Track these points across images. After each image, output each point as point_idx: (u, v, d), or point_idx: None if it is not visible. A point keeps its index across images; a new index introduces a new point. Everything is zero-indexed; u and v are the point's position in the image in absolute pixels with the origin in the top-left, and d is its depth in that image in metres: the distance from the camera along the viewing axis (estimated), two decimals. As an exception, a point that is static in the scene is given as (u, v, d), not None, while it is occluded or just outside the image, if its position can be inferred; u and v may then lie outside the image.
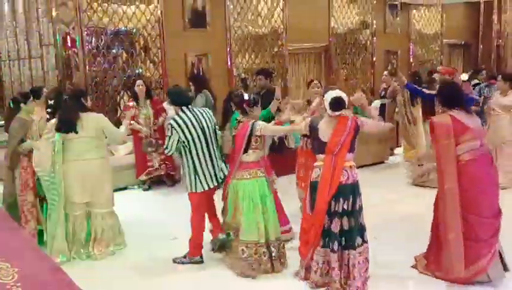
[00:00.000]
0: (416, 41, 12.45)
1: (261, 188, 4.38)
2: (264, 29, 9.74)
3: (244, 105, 4.42)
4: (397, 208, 6.19)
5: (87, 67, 7.84)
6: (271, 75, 7.09)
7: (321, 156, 4.04)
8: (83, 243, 4.91)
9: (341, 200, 3.93)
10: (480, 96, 8.46)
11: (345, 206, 3.95)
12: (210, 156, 4.49)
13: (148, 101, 7.05)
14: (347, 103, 4.11)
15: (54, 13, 7.64)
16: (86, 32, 7.81)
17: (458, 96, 4.22)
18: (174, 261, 4.71)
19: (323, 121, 4.10)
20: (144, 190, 7.29)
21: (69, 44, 7.72)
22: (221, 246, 4.75)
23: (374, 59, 11.55)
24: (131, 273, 4.58)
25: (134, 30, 8.27)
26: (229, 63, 9.34)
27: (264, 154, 4.64)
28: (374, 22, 11.45)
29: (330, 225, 3.97)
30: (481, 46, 13.77)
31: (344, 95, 4.08)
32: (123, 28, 8.14)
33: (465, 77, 10.66)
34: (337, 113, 4.03)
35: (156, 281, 4.41)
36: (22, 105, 5.27)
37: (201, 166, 4.44)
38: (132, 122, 6.30)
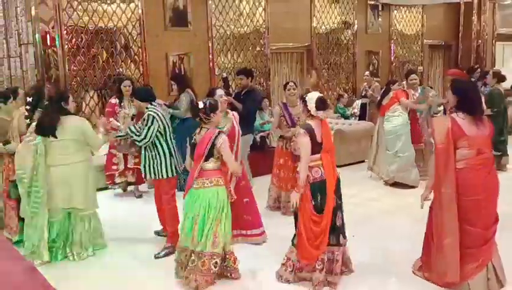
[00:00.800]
0: (397, 42, 12.57)
1: (220, 196, 4.18)
2: (246, 29, 9.75)
3: (201, 114, 4.21)
4: (375, 206, 6.26)
5: (67, 66, 7.77)
6: (252, 75, 7.07)
7: (317, 156, 4.09)
8: (64, 245, 4.88)
9: (336, 194, 4.14)
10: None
11: (338, 201, 4.16)
12: (174, 145, 4.89)
13: (134, 101, 6.70)
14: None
15: (33, 12, 7.54)
16: (65, 31, 7.73)
17: (471, 100, 3.96)
18: (156, 257, 4.79)
19: (312, 123, 4.17)
20: (122, 190, 7.09)
21: (48, 43, 7.64)
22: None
23: (355, 59, 11.63)
24: (110, 273, 4.56)
25: (115, 29, 8.22)
26: (211, 63, 9.33)
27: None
28: (356, 22, 11.54)
29: (335, 219, 4.10)
30: (461, 46, 13.94)
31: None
32: (103, 27, 8.08)
33: None
34: (321, 112, 4.12)
35: (136, 281, 4.39)
36: (1, 105, 5.32)
37: (174, 151, 4.85)
38: (111, 119, 6.00)
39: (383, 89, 7.47)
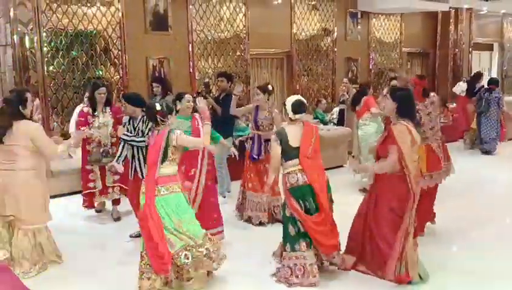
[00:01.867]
0: (375, 49, 12.76)
1: (179, 202, 4.11)
2: (227, 34, 9.82)
3: (158, 116, 4.12)
4: (351, 211, 6.33)
5: (45, 68, 7.74)
6: (232, 80, 7.12)
7: (294, 161, 4.17)
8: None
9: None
10: (480, 100, 9.81)
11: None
12: None
13: (108, 109, 6.03)
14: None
15: (11, 13, 7.51)
16: (44, 33, 7.70)
17: (412, 106, 4.30)
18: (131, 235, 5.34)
19: (288, 128, 4.26)
20: (96, 211, 6.36)
21: (27, 45, 7.61)
22: None
23: (335, 66, 11.77)
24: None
25: (95, 32, 8.21)
26: (191, 67, 9.37)
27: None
28: (336, 29, 11.68)
29: None
30: (438, 54, 14.20)
31: (303, 99, 4.33)
32: (83, 29, 8.06)
33: (463, 86, 11.23)
34: (298, 116, 4.20)
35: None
36: None
37: None
38: (83, 128, 5.75)
39: (353, 94, 7.65)
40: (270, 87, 6.07)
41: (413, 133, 4.11)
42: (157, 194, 4.02)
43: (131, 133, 5.19)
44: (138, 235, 5.16)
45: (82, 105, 6.73)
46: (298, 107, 4.24)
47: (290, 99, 4.31)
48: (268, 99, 6.03)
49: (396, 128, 4.11)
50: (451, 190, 6.31)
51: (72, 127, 6.80)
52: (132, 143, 5.14)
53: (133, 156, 5.19)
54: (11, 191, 4.43)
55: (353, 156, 7.65)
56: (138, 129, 5.14)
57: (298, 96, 4.42)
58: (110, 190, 6.05)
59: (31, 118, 4.71)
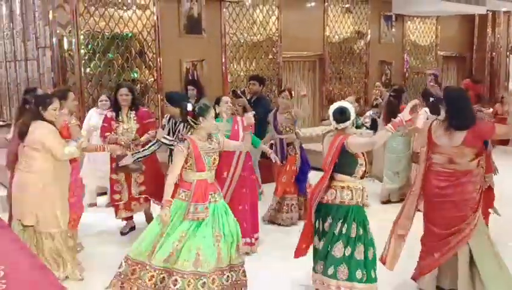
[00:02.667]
0: (410, 52, 12.58)
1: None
2: (259, 37, 9.85)
3: (189, 117, 3.91)
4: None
5: (82, 70, 7.92)
6: (264, 83, 7.13)
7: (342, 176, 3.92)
8: None
9: (321, 220, 3.97)
10: None
11: (326, 227, 3.94)
12: None
13: (133, 113, 5.58)
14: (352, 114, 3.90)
15: (50, 16, 7.71)
16: (82, 36, 7.88)
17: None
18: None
19: (327, 138, 4.04)
20: (122, 234, 5.87)
21: (65, 47, 7.79)
22: None
23: (368, 69, 11.66)
24: None
25: (130, 35, 8.36)
26: (224, 70, 9.43)
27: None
28: (369, 32, 11.58)
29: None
30: (475, 58, 13.90)
31: (349, 106, 3.95)
32: (119, 32, 8.22)
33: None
34: (342, 125, 3.88)
35: None
36: None
37: None
38: (107, 134, 5.44)
39: (387, 98, 7.27)
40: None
41: None
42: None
43: (169, 133, 5.01)
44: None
45: (95, 108, 6.76)
46: (338, 115, 3.87)
47: (332, 107, 3.95)
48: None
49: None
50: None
51: (84, 131, 6.03)
52: (171, 147, 4.80)
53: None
54: (25, 191, 4.44)
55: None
56: (178, 132, 4.94)
57: (340, 103, 4.03)
58: (135, 202, 5.63)
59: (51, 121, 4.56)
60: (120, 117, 5.47)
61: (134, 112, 5.54)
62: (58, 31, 7.71)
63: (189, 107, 3.91)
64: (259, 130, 6.63)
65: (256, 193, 5.40)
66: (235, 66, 9.60)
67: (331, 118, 3.93)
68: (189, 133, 4.05)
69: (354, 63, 11.49)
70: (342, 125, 3.88)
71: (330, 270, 3.84)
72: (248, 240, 5.14)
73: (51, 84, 7.90)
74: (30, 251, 3.68)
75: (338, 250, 3.83)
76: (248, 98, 7.18)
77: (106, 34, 8.11)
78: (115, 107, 5.58)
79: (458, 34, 13.69)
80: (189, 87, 7.19)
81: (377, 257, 4.03)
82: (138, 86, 8.37)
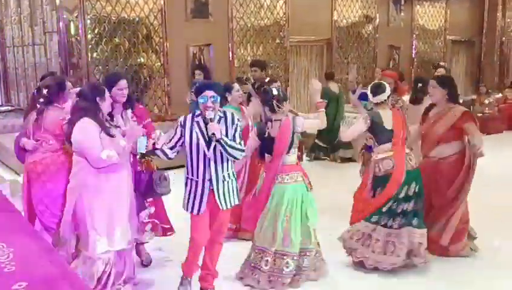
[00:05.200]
0: (419, 37, 12.46)
1: (299, 193, 4.02)
2: (267, 21, 9.78)
3: (274, 101, 3.92)
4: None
5: (89, 54, 7.92)
6: (265, 67, 7.04)
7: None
8: None
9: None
10: None
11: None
12: None
13: (129, 112, 4.13)
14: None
15: (57, 1, 7.70)
16: (89, 20, 7.87)
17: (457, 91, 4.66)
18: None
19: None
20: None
21: (72, 31, 7.79)
22: None
23: (376, 53, 11.57)
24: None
25: (137, 19, 8.33)
26: (231, 54, 9.40)
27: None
28: (378, 16, 11.46)
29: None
30: (484, 43, 13.75)
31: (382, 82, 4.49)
32: (126, 17, 8.19)
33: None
34: (373, 99, 4.30)
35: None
36: None
37: None
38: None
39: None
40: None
41: None
42: (280, 182, 4.01)
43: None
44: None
45: None
46: (374, 88, 4.28)
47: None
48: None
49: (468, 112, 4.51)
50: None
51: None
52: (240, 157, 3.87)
53: None
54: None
55: None
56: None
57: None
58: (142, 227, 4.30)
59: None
60: (115, 120, 3.91)
61: (129, 110, 4.15)
62: (65, 16, 7.70)
63: (275, 91, 3.99)
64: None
65: None
66: (242, 51, 9.56)
67: (368, 91, 4.31)
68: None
69: (362, 47, 11.40)
70: (377, 99, 4.22)
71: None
72: None
73: (58, 68, 7.91)
74: (38, 234, 3.72)
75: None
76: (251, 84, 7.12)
77: (113, 18, 8.09)
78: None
79: (467, 18, 13.52)
80: (197, 71, 7.20)
81: None
82: (145, 70, 8.36)
